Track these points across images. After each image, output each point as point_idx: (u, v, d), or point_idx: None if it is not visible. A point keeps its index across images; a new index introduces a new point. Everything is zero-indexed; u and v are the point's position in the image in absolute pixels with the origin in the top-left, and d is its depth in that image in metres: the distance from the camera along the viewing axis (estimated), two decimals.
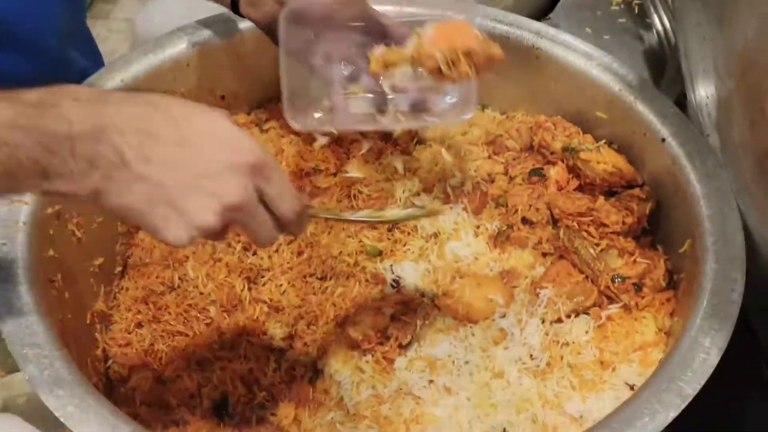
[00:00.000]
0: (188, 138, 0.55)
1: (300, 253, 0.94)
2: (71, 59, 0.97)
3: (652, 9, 1.49)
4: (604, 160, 0.90)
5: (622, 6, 1.53)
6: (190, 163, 0.55)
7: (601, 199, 0.87)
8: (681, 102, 1.22)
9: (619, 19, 1.51)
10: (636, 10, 1.52)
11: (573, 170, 0.92)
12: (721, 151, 0.80)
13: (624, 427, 0.58)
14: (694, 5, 0.89)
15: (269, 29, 0.90)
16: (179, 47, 0.98)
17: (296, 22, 0.86)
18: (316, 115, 0.92)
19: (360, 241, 0.96)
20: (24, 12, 0.83)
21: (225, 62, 1.03)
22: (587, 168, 0.90)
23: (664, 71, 1.35)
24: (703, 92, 0.95)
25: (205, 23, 1.01)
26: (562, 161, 0.94)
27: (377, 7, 0.89)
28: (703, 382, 0.61)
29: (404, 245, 0.95)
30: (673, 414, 0.59)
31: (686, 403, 0.60)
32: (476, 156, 1.02)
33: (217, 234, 0.58)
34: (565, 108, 1.01)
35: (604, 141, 0.93)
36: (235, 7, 0.93)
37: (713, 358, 0.63)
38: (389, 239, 0.96)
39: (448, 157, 1.01)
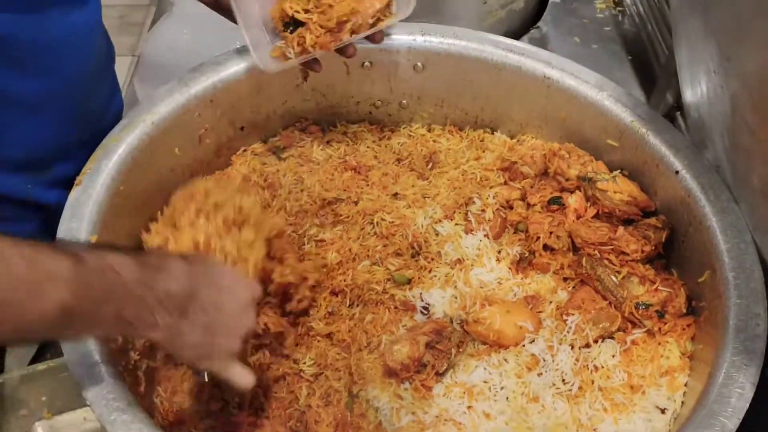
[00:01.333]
0: (224, 284, 0.75)
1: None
2: (99, 92, 0.98)
3: (636, 17, 1.54)
4: (620, 190, 0.96)
5: (608, 13, 1.59)
6: (234, 308, 0.75)
7: (621, 228, 0.92)
8: (672, 115, 1.29)
9: (605, 27, 1.56)
10: (620, 17, 1.58)
11: (590, 199, 0.97)
12: (736, 186, 0.86)
13: None
14: (690, 13, 0.94)
15: (216, 4, 0.96)
16: (203, 84, 0.99)
17: None
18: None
19: (386, 269, 1.00)
20: (67, 44, 0.85)
21: (244, 95, 1.05)
22: (605, 198, 0.95)
23: (653, 77, 1.42)
24: (694, 111, 1.01)
25: (225, 58, 1.02)
26: (579, 189, 0.99)
27: None
28: (742, 417, 0.68)
29: (430, 272, 0.99)
30: None
31: None
32: (493, 182, 1.06)
33: None
34: (575, 134, 1.06)
35: (619, 171, 0.99)
36: None
37: (748, 393, 0.70)
38: (415, 267, 1.00)
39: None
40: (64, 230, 0.82)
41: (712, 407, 0.69)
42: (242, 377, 0.76)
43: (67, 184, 0.88)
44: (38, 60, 0.81)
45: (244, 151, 1.11)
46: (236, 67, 1.02)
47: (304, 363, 0.92)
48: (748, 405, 0.69)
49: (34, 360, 0.98)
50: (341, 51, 0.96)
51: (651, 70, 1.44)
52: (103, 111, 0.98)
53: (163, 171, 0.99)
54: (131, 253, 0.68)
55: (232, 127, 1.07)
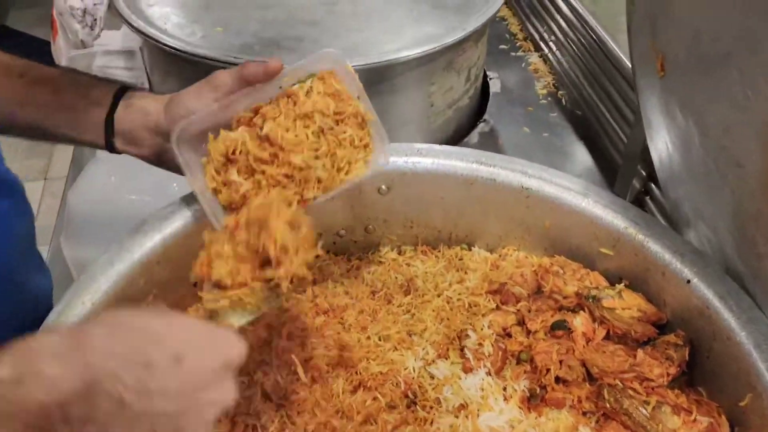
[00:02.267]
0: (180, 353, 0.52)
1: None
2: (26, 279, 0.84)
3: (580, 99, 1.52)
4: (628, 306, 0.87)
5: (550, 98, 1.56)
6: (190, 380, 0.52)
7: (641, 352, 0.83)
8: (640, 200, 1.24)
9: (551, 113, 1.53)
10: (564, 101, 1.55)
11: (597, 319, 0.89)
12: (758, 293, 0.78)
13: None
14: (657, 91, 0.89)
15: (159, 160, 0.87)
16: (147, 246, 0.86)
17: (187, 141, 0.80)
18: None
19: (382, 428, 0.87)
20: None
21: (196, 248, 0.92)
22: (614, 317, 0.87)
23: (611, 160, 1.38)
24: (687, 206, 0.96)
25: (171, 211, 0.90)
26: (582, 308, 0.90)
27: None
28: None
29: (432, 423, 0.87)
30: None
31: None
32: (484, 308, 0.96)
33: None
34: (563, 244, 0.98)
35: (622, 284, 0.91)
36: (110, 147, 0.87)
37: None
38: (413, 421, 0.88)
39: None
40: None
41: None
42: None
43: None
44: None
45: (198, 308, 0.97)
46: (184, 220, 0.90)
47: None
48: None
49: None
50: None
51: (608, 152, 1.40)
52: (33, 303, 0.84)
53: None
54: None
55: (183, 285, 0.93)
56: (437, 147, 1.01)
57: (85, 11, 1.91)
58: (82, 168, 1.26)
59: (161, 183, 0.94)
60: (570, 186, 0.95)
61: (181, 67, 1.30)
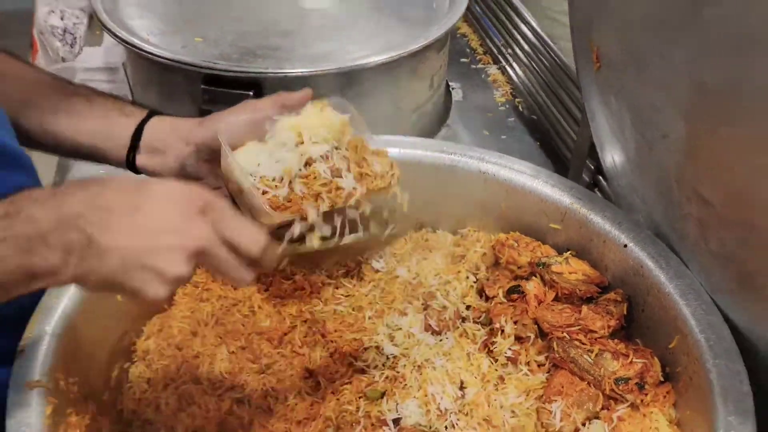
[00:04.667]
0: (140, 203, 0.63)
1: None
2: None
3: (535, 105, 1.65)
4: (574, 270, 0.99)
5: (508, 105, 1.69)
6: (148, 224, 0.63)
7: (585, 308, 0.94)
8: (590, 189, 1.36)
9: (509, 118, 1.66)
10: (520, 107, 1.68)
11: (547, 283, 0.99)
12: (684, 252, 0.90)
13: None
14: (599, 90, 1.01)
15: (183, 169, 0.90)
16: None
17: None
18: None
19: (357, 388, 0.96)
20: None
21: None
22: (562, 280, 0.97)
23: (563, 159, 1.50)
24: (623, 181, 1.08)
25: None
26: (534, 275, 1.01)
27: None
28: None
29: (403, 381, 0.96)
30: None
31: None
32: (447, 279, 1.06)
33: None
34: (517, 222, 1.09)
35: (568, 252, 1.02)
36: (130, 161, 0.92)
37: None
38: (385, 380, 0.97)
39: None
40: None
41: None
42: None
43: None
44: None
45: (185, 287, 1.06)
46: None
47: None
48: None
49: None
50: None
51: (560, 151, 1.53)
52: None
53: (108, 320, 0.92)
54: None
55: None
56: (404, 138, 1.12)
57: (65, 30, 2.00)
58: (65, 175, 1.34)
59: None
60: (522, 169, 1.07)
61: (163, 76, 1.40)
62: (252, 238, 0.66)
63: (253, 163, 0.81)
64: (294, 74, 1.26)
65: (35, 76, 0.94)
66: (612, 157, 1.07)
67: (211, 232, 0.64)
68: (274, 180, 0.80)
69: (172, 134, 0.90)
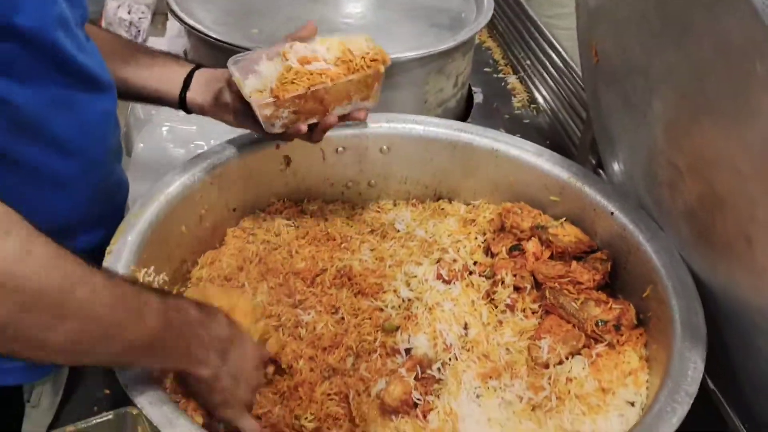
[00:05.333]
0: (241, 343, 0.89)
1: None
2: (114, 168, 1.10)
3: (549, 111, 1.82)
4: (567, 233, 1.15)
5: (524, 110, 1.86)
6: (243, 360, 0.88)
7: (574, 263, 1.10)
8: None
9: (524, 120, 1.83)
10: (535, 113, 1.86)
11: (544, 243, 1.16)
12: (660, 217, 1.06)
13: (657, 422, 0.79)
14: (605, 88, 1.18)
15: (217, 101, 1.11)
16: (205, 168, 1.13)
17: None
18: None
19: (375, 322, 1.12)
20: (96, 126, 0.98)
21: (237, 179, 1.19)
22: (557, 240, 1.14)
23: (568, 155, 1.67)
24: (615, 166, 1.24)
25: (222, 147, 1.17)
26: (534, 237, 1.17)
27: None
28: (699, 383, 0.84)
29: (416, 318, 1.12)
30: (686, 408, 0.81)
31: (692, 399, 0.82)
32: (458, 238, 1.23)
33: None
34: (523, 195, 1.25)
35: (564, 219, 1.18)
36: (182, 99, 1.13)
37: (700, 365, 0.86)
38: (401, 316, 1.13)
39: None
40: None
41: (676, 379, 0.85)
42: (252, 427, 0.89)
43: (89, 255, 0.98)
44: (71, 141, 0.93)
45: (235, 230, 1.23)
46: (231, 155, 1.17)
47: (305, 419, 1.01)
48: (701, 375, 0.85)
49: (52, 426, 1.02)
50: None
51: (566, 150, 1.69)
52: (119, 187, 1.10)
53: (173, 247, 1.10)
54: (188, 299, 0.80)
55: (226, 209, 1.20)
56: (428, 118, 1.29)
57: (131, 23, 2.22)
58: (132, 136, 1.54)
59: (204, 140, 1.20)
60: (529, 149, 1.24)
61: (220, 61, 1.59)
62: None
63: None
64: None
65: (109, 36, 1.16)
66: (606, 141, 1.23)
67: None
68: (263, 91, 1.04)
69: (212, 77, 1.12)
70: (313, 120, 1.07)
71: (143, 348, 0.70)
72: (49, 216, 0.95)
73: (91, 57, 0.96)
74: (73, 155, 0.95)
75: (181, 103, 1.13)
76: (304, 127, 1.07)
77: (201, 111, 1.14)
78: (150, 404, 0.78)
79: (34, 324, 0.61)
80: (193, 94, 1.13)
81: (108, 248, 0.97)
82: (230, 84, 1.09)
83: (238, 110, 1.09)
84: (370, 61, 1.06)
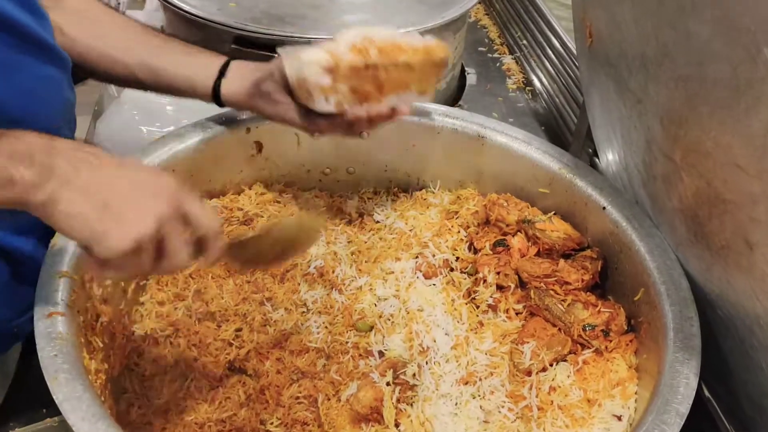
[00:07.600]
0: (127, 166, 0.72)
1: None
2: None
3: (544, 94, 1.73)
4: (556, 228, 1.07)
5: (519, 93, 1.77)
6: (131, 180, 0.70)
7: (562, 261, 1.02)
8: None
9: (518, 104, 1.74)
10: (529, 95, 1.76)
11: (530, 239, 1.08)
12: (655, 214, 0.98)
13: None
14: (600, 75, 1.09)
15: (257, 89, 1.02)
16: (165, 153, 1.05)
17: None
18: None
19: (348, 322, 1.05)
20: (34, 110, 0.89)
21: (203, 165, 1.11)
22: (544, 236, 1.06)
23: (564, 144, 1.58)
24: (610, 156, 1.16)
25: (186, 130, 1.10)
26: (520, 231, 1.09)
27: None
28: (691, 402, 0.76)
29: (390, 318, 1.05)
30: (676, 430, 0.73)
31: (683, 420, 0.74)
32: (440, 232, 1.15)
33: (146, 249, 0.69)
34: (510, 185, 1.17)
35: (553, 213, 1.10)
36: (216, 91, 1.04)
37: (693, 382, 0.78)
38: (375, 315, 1.05)
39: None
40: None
41: (666, 396, 0.77)
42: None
43: (37, 232, 0.91)
44: (12, 107, 0.85)
45: None
46: (195, 138, 1.09)
47: (271, 424, 0.94)
48: (694, 392, 0.78)
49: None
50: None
51: (562, 137, 1.61)
52: None
53: None
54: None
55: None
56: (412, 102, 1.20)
57: None
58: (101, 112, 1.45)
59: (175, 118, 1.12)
60: (517, 136, 1.15)
61: (197, 36, 1.50)
62: (209, 216, 0.74)
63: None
64: (317, 39, 1.35)
65: (136, 25, 1.09)
66: (601, 129, 1.15)
67: (180, 207, 0.71)
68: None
69: (251, 67, 1.05)
70: (362, 111, 0.98)
71: None
72: None
73: (43, 26, 0.88)
74: (16, 121, 0.86)
75: (215, 94, 1.05)
76: (362, 111, 0.97)
77: (236, 101, 1.06)
78: (82, 420, 0.70)
79: None
80: (229, 83, 1.05)
81: (53, 240, 0.89)
82: (272, 74, 1.01)
83: (280, 101, 1.01)
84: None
